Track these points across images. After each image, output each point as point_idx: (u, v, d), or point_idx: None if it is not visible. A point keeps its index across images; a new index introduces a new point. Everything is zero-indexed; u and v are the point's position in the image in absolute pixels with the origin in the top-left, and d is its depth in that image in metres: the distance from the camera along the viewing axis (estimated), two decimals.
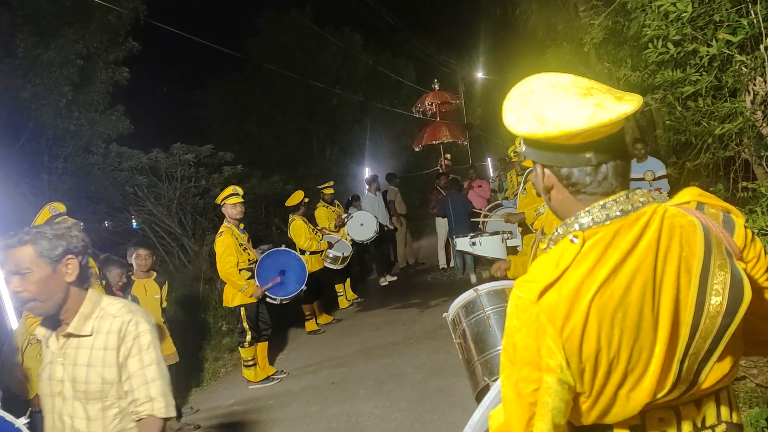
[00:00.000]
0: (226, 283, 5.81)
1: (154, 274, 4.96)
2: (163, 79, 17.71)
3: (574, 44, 8.43)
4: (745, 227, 1.19)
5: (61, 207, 3.97)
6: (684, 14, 3.99)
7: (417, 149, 15.87)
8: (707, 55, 4.06)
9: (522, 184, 5.48)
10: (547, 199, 1.25)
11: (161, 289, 4.93)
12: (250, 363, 5.80)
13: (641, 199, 1.16)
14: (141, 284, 4.78)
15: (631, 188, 1.18)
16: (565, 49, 9.44)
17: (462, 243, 7.70)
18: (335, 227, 8.47)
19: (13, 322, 4.11)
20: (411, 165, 19.61)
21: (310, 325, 7.53)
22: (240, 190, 5.90)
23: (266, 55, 17.11)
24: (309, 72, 16.46)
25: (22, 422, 2.28)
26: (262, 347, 5.95)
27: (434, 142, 14.73)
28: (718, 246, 1.13)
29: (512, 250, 7.03)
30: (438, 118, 15.16)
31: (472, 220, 8.54)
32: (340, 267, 7.98)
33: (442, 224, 10.00)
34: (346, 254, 7.93)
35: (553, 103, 1.11)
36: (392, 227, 10.33)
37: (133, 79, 10.80)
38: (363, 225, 8.86)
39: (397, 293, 9.16)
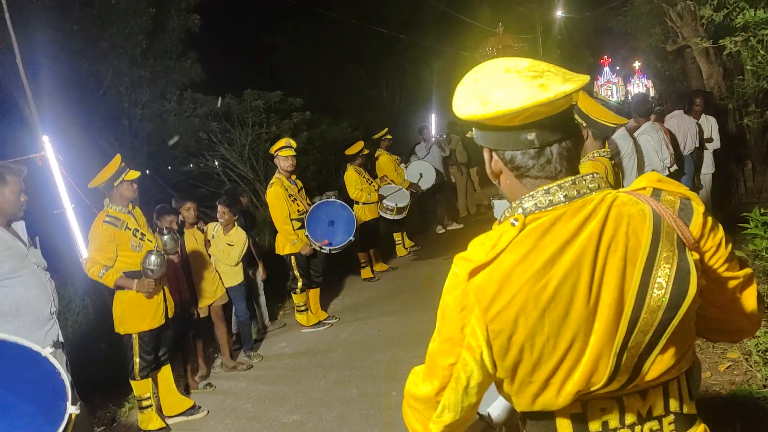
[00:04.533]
0: (278, 232, 6.01)
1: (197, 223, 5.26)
2: (232, 25, 17.89)
3: None
4: (705, 215, 1.11)
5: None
6: None
7: None
8: None
9: None
10: (497, 183, 1.23)
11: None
12: (302, 308, 6.05)
13: (590, 185, 1.12)
14: (190, 233, 5.08)
15: (579, 174, 1.12)
16: None
17: None
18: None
19: None
20: None
21: (365, 272, 7.69)
22: (293, 143, 5.97)
23: None
24: (378, 15, 16.11)
25: (47, 352, 2.39)
26: (314, 293, 6.18)
27: None
28: (668, 236, 1.06)
29: None
30: None
31: None
32: (396, 217, 8.01)
33: None
34: (401, 205, 7.91)
35: (502, 85, 1.08)
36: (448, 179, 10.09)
37: (203, 26, 11.01)
38: (423, 175, 8.77)
39: (455, 243, 9.07)
